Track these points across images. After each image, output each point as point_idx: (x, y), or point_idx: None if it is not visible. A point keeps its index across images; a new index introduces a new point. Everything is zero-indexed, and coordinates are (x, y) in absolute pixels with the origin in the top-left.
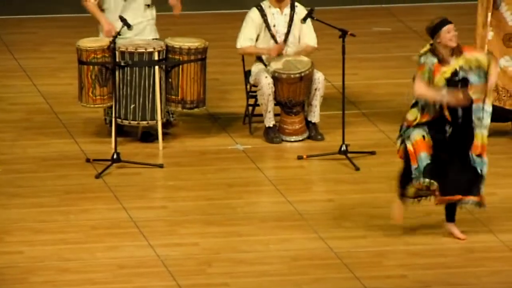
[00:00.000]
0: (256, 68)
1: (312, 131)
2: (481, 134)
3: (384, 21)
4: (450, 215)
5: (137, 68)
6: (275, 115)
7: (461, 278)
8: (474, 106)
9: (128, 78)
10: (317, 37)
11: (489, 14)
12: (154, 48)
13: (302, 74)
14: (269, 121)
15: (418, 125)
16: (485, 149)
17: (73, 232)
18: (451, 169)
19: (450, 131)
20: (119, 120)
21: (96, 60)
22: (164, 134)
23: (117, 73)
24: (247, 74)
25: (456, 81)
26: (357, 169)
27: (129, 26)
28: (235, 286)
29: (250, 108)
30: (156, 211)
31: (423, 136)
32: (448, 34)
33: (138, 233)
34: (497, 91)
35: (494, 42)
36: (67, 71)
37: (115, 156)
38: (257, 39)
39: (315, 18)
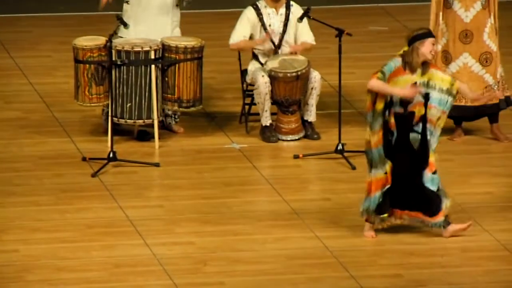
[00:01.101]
0: (253, 67)
1: (309, 130)
2: (432, 152)
3: (381, 20)
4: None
5: (133, 67)
6: (272, 114)
7: (456, 278)
8: (428, 125)
9: (125, 76)
10: (313, 36)
11: (440, 13)
12: (150, 47)
13: (299, 73)
14: (266, 120)
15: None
16: (434, 165)
17: (69, 230)
18: (406, 188)
19: (394, 139)
20: (115, 119)
21: (92, 59)
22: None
23: (113, 71)
24: (244, 73)
25: None
26: (353, 168)
27: (125, 25)
28: (231, 285)
29: (247, 107)
30: (152, 210)
31: (385, 172)
32: (432, 46)
33: (134, 232)
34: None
35: (451, 43)
36: (64, 69)
37: (111, 155)
38: (251, 38)
39: (311, 17)
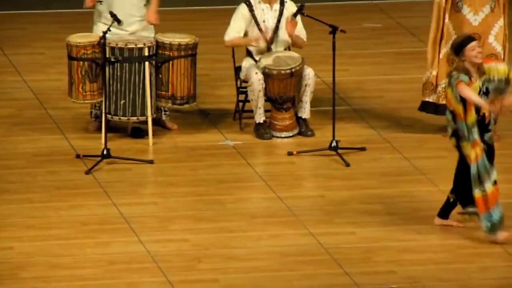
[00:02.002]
0: (247, 64)
1: (303, 127)
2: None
3: (375, 17)
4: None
5: (127, 64)
6: (266, 111)
7: (451, 274)
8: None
9: (118, 73)
10: (307, 33)
11: (441, 22)
12: (144, 44)
13: (293, 70)
14: (260, 117)
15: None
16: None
17: (63, 228)
18: None
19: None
20: (109, 116)
21: (86, 56)
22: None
23: (107, 68)
24: (238, 70)
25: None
26: (348, 165)
27: (119, 22)
28: (225, 282)
29: (241, 104)
30: (146, 207)
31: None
32: (476, 49)
33: (128, 229)
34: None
35: None
36: (57, 66)
37: (105, 152)
38: (246, 35)
39: (305, 14)
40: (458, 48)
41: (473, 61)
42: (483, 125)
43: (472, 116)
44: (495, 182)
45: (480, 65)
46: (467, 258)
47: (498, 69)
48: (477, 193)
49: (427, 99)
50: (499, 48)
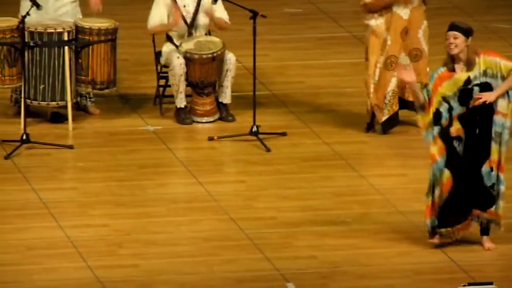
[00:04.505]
0: (167, 48)
1: (223, 112)
2: (497, 149)
3: (295, 2)
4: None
5: (46, 49)
6: (186, 96)
7: (371, 259)
8: (495, 118)
9: (38, 58)
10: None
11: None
12: (63, 29)
13: (214, 55)
14: (181, 102)
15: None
16: (503, 167)
17: None
18: (462, 193)
19: (461, 147)
20: (28, 101)
21: (4, 40)
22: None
23: (26, 53)
24: (158, 54)
25: (469, 90)
26: (268, 150)
27: (38, 6)
28: (145, 267)
29: (161, 89)
30: (66, 192)
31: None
32: (446, 41)
33: (47, 214)
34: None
35: (393, 44)
36: None
37: (24, 137)
38: (169, 19)
39: None
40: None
41: (447, 50)
42: (473, 119)
43: (429, 117)
44: (441, 189)
45: (470, 56)
46: (386, 243)
47: (504, 65)
48: (428, 201)
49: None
50: (425, 46)
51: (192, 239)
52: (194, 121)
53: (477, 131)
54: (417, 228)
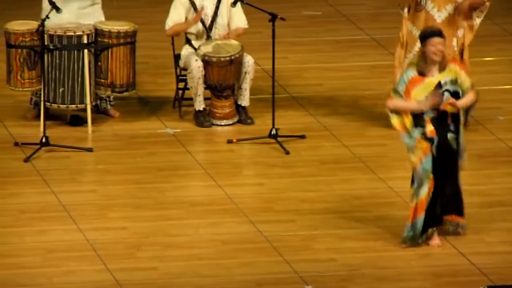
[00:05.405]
0: (186, 51)
1: (242, 115)
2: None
3: (314, 5)
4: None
5: (66, 52)
6: (205, 99)
7: (389, 262)
8: (460, 128)
9: (57, 61)
10: (246, 21)
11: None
12: (83, 32)
13: (232, 58)
14: (199, 105)
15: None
16: None
17: (2, 216)
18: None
19: (434, 149)
20: (48, 104)
21: (24, 43)
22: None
23: (45, 56)
24: (177, 57)
25: (440, 94)
26: (287, 153)
27: (58, 9)
28: (164, 270)
29: (180, 92)
30: (85, 195)
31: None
32: (432, 47)
33: (67, 217)
34: None
35: None
36: None
37: (43, 140)
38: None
39: (244, 2)
40: (422, 37)
41: (431, 56)
42: (443, 123)
43: (408, 122)
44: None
45: (443, 60)
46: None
47: (464, 80)
48: (412, 202)
49: None
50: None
51: (211, 241)
52: (213, 124)
53: (448, 136)
54: None
